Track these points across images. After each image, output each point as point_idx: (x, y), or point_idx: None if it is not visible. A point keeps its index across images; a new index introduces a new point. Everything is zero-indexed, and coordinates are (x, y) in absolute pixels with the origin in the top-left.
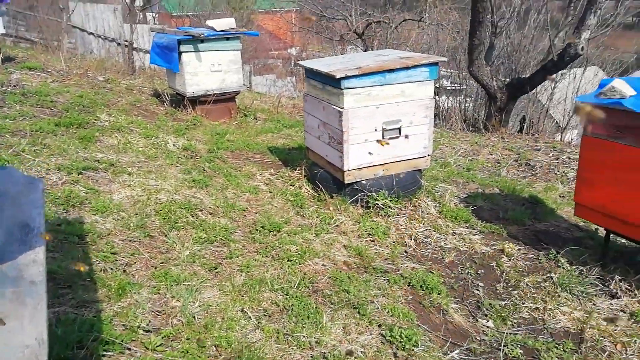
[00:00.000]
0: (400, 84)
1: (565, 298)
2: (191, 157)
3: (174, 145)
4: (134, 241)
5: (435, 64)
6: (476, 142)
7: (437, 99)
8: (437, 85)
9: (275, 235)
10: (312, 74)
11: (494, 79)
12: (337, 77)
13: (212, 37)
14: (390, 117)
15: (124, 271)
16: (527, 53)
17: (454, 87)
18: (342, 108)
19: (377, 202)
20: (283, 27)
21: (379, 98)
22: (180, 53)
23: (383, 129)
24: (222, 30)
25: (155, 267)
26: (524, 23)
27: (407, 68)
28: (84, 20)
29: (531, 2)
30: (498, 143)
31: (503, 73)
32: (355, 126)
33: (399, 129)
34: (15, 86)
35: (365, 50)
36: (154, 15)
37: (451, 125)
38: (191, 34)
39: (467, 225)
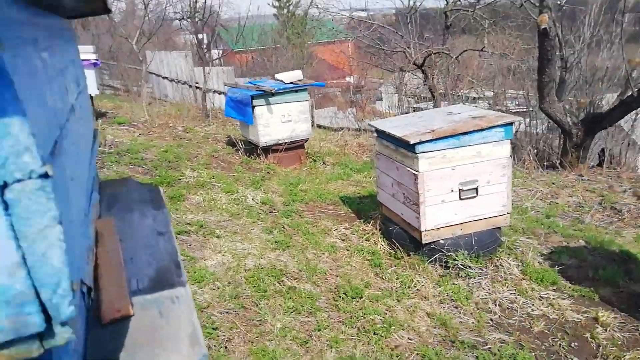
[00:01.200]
0: (475, 146)
1: None
2: (270, 212)
3: (252, 199)
4: (230, 313)
5: (510, 124)
6: (553, 183)
7: None
8: (503, 109)
9: (358, 302)
10: (383, 134)
11: (568, 114)
12: (411, 142)
13: (281, 91)
14: (467, 177)
15: (225, 347)
16: (602, 84)
17: (520, 110)
18: (417, 171)
19: (456, 262)
20: (341, 57)
21: (454, 160)
22: (253, 107)
23: (460, 189)
24: (291, 83)
25: (252, 342)
26: (597, 55)
27: (481, 130)
28: (159, 67)
29: (601, 34)
30: (577, 183)
31: (576, 105)
32: (431, 188)
33: (476, 188)
34: (110, 146)
35: (425, 79)
36: (219, 51)
37: (524, 162)
38: (263, 89)
39: (555, 288)
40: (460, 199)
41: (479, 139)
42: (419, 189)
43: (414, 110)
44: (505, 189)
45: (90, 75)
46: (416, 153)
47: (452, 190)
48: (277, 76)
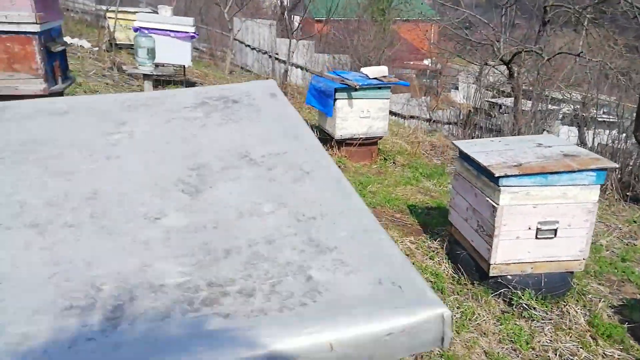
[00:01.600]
0: (562, 186)
1: None
2: None
3: None
4: None
5: (604, 169)
6: (634, 222)
7: (586, 133)
8: (587, 115)
9: None
10: (466, 157)
11: None
12: (496, 175)
13: (365, 87)
14: (547, 217)
15: None
16: None
17: (608, 120)
18: (497, 204)
19: (521, 301)
20: (422, 38)
21: (537, 198)
22: (335, 99)
23: (537, 228)
24: (375, 78)
25: None
26: None
27: (572, 171)
28: (244, 34)
29: None
30: None
31: None
32: (508, 223)
33: (555, 230)
34: None
35: (510, 77)
36: (300, 18)
37: (604, 191)
38: (347, 83)
39: (621, 347)
40: (537, 237)
41: (568, 180)
42: (496, 222)
43: (490, 106)
44: (586, 235)
45: (187, 47)
46: (499, 186)
47: (529, 228)
48: (363, 70)
